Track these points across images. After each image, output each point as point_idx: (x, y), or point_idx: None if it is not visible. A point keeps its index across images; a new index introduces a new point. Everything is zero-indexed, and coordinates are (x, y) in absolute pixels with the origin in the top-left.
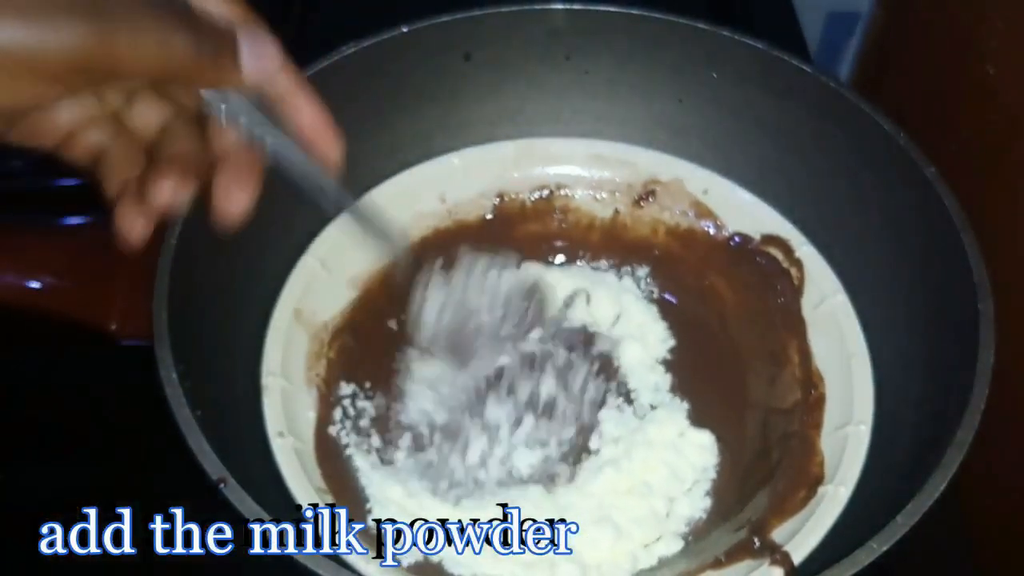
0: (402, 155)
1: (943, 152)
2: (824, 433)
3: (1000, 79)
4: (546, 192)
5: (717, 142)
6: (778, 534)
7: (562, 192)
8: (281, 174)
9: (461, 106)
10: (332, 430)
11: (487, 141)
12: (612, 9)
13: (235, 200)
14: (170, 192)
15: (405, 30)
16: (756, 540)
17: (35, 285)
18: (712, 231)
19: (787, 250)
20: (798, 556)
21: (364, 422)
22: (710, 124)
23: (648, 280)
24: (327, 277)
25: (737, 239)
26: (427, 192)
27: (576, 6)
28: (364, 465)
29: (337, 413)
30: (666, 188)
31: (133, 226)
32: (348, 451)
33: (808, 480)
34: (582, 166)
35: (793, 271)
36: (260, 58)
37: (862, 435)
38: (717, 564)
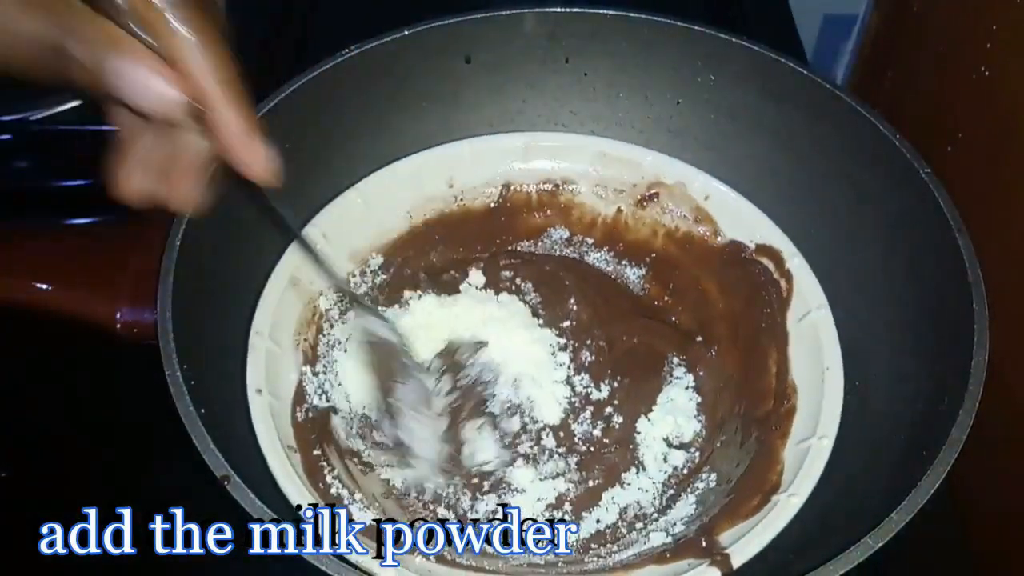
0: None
1: (939, 153)
2: (788, 444)
3: (995, 81)
4: (551, 186)
5: (715, 144)
6: (726, 537)
7: (568, 187)
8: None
9: (462, 107)
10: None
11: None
12: (611, 12)
13: None
14: None
15: (407, 32)
16: (704, 540)
17: (40, 286)
18: (708, 236)
19: (778, 261)
20: (739, 559)
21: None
22: (708, 126)
23: (643, 281)
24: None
25: (732, 247)
26: (436, 175)
27: (575, 9)
28: (338, 423)
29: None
30: (669, 191)
31: None
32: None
33: (764, 488)
34: (589, 163)
35: (782, 282)
36: None
37: (823, 448)
38: (661, 559)
